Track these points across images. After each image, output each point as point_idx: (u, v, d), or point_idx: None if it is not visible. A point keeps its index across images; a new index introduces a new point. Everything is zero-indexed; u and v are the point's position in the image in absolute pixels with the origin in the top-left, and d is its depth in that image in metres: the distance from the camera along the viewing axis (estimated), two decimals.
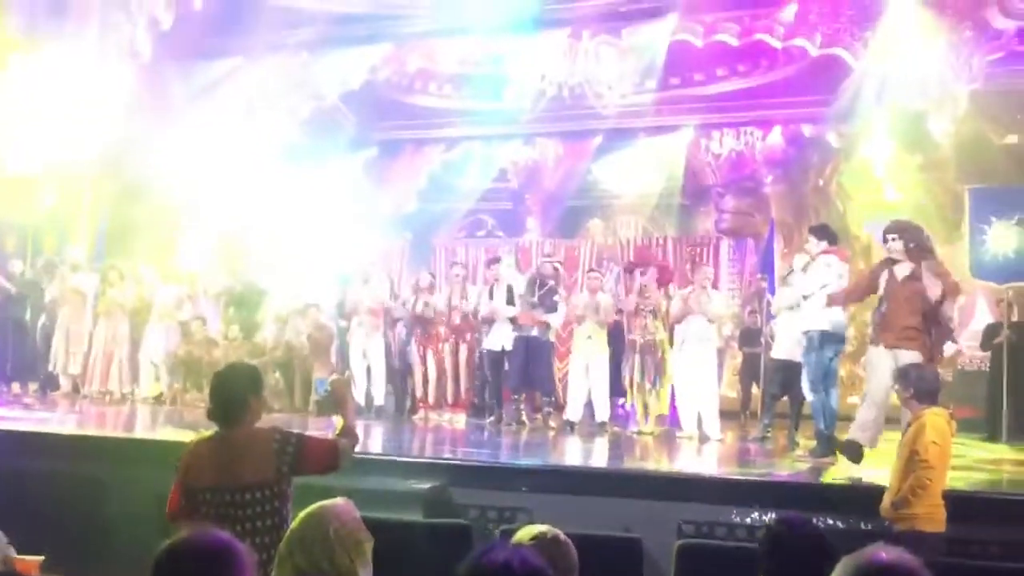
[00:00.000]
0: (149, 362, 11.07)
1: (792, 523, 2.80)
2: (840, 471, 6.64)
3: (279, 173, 12.47)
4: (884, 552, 1.71)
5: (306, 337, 10.46)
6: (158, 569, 2.00)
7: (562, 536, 2.62)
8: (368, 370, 10.09)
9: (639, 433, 8.88)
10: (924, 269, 6.45)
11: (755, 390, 10.07)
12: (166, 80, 12.32)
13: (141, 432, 8.91)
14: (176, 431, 8.52)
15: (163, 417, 9.82)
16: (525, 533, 2.62)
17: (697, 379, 8.74)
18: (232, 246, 12.16)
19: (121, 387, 11.17)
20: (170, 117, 12.06)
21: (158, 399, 10.96)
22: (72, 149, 11.65)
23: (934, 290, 6.37)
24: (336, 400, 3.86)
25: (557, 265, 10.23)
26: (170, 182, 11.95)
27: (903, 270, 6.54)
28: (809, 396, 7.64)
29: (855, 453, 6.44)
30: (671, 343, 9.01)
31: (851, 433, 6.58)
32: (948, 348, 6.57)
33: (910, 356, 6.28)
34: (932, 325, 6.42)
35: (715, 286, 11.69)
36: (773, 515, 5.52)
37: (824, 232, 7.49)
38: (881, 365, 6.49)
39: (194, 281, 11.68)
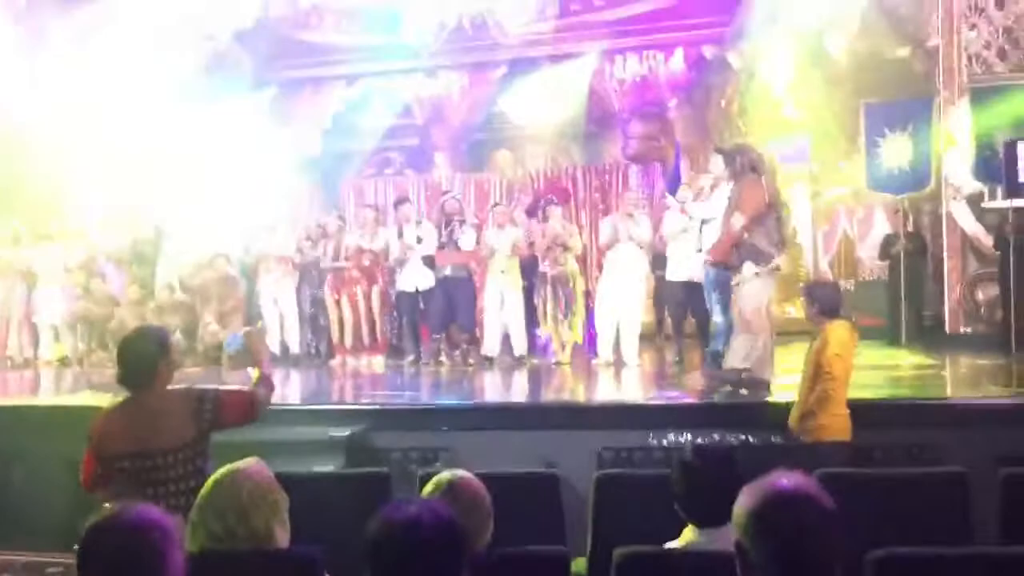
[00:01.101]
0: (47, 324, 10.70)
1: (702, 452, 2.87)
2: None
3: (175, 118, 11.99)
4: (784, 478, 1.75)
5: (212, 289, 10.21)
6: (84, 548, 1.94)
7: (464, 481, 2.61)
8: (281, 317, 9.96)
9: (557, 364, 8.99)
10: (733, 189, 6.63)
11: (668, 313, 10.26)
12: (44, 21, 11.64)
13: (47, 397, 8.62)
14: (85, 394, 8.29)
15: (70, 380, 9.53)
16: (429, 484, 2.62)
17: (621, 306, 8.80)
18: (128, 198, 11.68)
19: (22, 351, 10.80)
20: (51, 61, 11.43)
21: (63, 361, 10.64)
22: None
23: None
24: (251, 352, 3.81)
25: (457, 197, 10.19)
26: (55, 131, 11.38)
27: (725, 191, 6.78)
28: (718, 317, 7.80)
29: (760, 388, 6.56)
30: (583, 273, 9.09)
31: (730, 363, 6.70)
32: (747, 268, 6.49)
33: (723, 274, 6.63)
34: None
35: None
36: (689, 436, 5.70)
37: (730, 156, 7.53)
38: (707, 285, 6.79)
39: (86, 237, 11.24)
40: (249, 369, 3.81)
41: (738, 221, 6.50)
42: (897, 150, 9.63)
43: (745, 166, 6.63)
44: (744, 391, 6.49)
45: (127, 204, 11.47)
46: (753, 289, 6.48)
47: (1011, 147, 8.29)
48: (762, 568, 1.66)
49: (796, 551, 1.64)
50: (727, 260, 6.64)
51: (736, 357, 6.55)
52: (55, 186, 11.53)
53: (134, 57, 11.85)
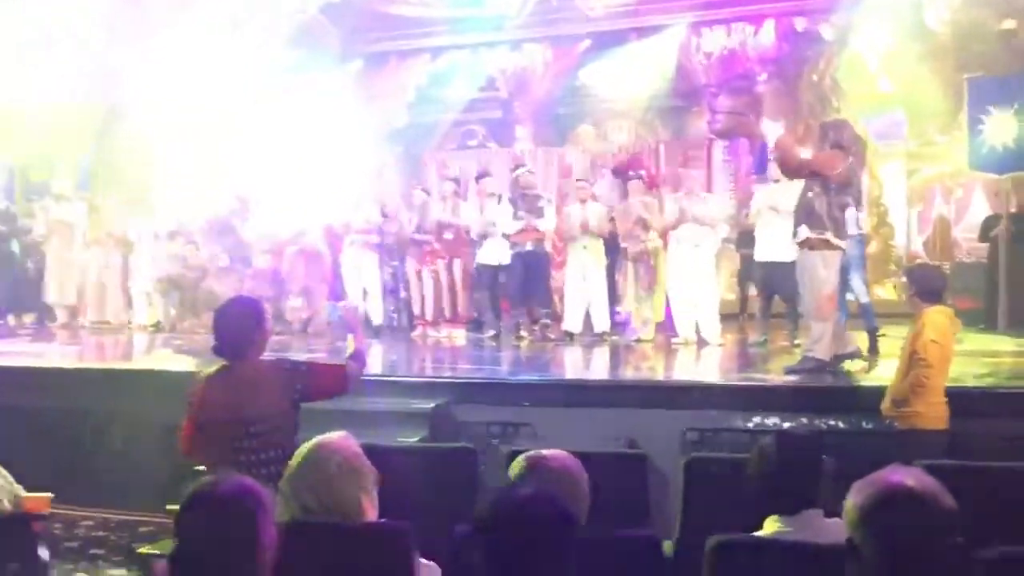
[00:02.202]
0: (141, 291, 11.04)
1: (783, 439, 2.80)
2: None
3: (263, 91, 12.18)
4: (899, 474, 1.66)
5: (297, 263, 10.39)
6: (182, 516, 2.00)
7: (547, 460, 2.53)
8: (363, 289, 10.07)
9: (638, 341, 8.90)
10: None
11: (753, 292, 10.06)
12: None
13: (141, 362, 8.90)
14: (176, 359, 8.54)
15: (161, 345, 9.81)
16: (514, 465, 2.55)
17: (692, 284, 8.69)
18: (216, 168, 11.93)
19: (116, 316, 11.18)
20: (149, 38, 11.70)
21: (156, 327, 10.96)
22: (55, 78, 11.37)
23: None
24: (347, 325, 3.89)
25: (532, 170, 10.13)
26: (153, 105, 11.68)
27: None
28: (864, 298, 7.71)
29: (844, 360, 6.44)
30: (665, 250, 8.98)
31: (807, 348, 6.55)
32: (802, 231, 6.42)
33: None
34: None
35: (709, 188, 11.61)
36: (776, 419, 5.57)
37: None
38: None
39: (177, 206, 11.54)
40: (347, 340, 3.87)
41: (806, 153, 6.43)
42: (1001, 127, 9.17)
43: (831, 141, 6.45)
44: (830, 373, 6.37)
45: (215, 175, 11.73)
46: (820, 276, 6.34)
47: None
48: (875, 567, 1.58)
49: (914, 552, 1.56)
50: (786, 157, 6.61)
51: (814, 345, 6.42)
52: (148, 157, 11.86)
53: (224, 31, 12.06)
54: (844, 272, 7.59)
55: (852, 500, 1.66)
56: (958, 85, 9.96)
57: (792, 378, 6.35)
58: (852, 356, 6.61)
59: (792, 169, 6.74)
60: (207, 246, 11.03)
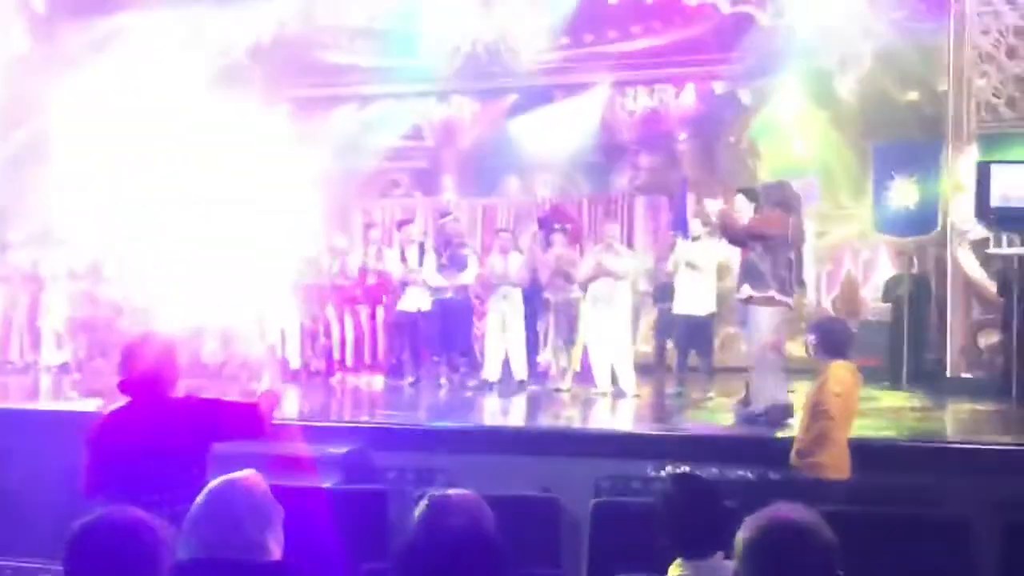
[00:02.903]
0: (50, 329, 10.70)
1: (682, 482, 2.89)
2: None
3: (183, 134, 12.02)
4: (784, 509, 1.74)
5: None
6: (72, 548, 1.93)
7: (447, 498, 2.54)
8: (283, 333, 9.95)
9: (556, 391, 8.97)
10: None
11: (669, 345, 10.24)
12: (59, 33, 11.71)
13: (45, 402, 8.61)
14: (83, 401, 8.28)
15: (68, 387, 9.50)
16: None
17: (608, 337, 8.82)
18: (132, 207, 11.68)
19: (23, 356, 10.79)
20: (65, 72, 11.48)
21: (63, 367, 10.61)
22: None
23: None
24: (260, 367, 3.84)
25: (457, 219, 10.22)
26: (65, 139, 11.41)
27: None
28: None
29: (779, 416, 6.60)
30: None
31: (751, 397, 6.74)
32: (744, 290, 6.74)
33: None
34: None
35: (630, 243, 11.87)
36: (686, 469, 5.66)
37: (754, 195, 7.56)
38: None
39: (91, 243, 11.23)
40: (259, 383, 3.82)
41: (746, 218, 6.68)
42: (905, 192, 9.65)
43: (771, 202, 6.70)
44: (768, 424, 6.54)
45: (132, 213, 11.47)
46: (762, 324, 6.54)
47: (984, 168, 8.35)
48: None
49: None
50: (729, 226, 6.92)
51: (756, 395, 6.60)
52: (63, 193, 11.54)
53: (146, 71, 11.89)
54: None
55: (739, 535, 1.72)
56: (865, 150, 10.45)
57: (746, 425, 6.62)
58: (783, 412, 6.73)
59: (738, 235, 6.90)
60: (120, 285, 10.75)
